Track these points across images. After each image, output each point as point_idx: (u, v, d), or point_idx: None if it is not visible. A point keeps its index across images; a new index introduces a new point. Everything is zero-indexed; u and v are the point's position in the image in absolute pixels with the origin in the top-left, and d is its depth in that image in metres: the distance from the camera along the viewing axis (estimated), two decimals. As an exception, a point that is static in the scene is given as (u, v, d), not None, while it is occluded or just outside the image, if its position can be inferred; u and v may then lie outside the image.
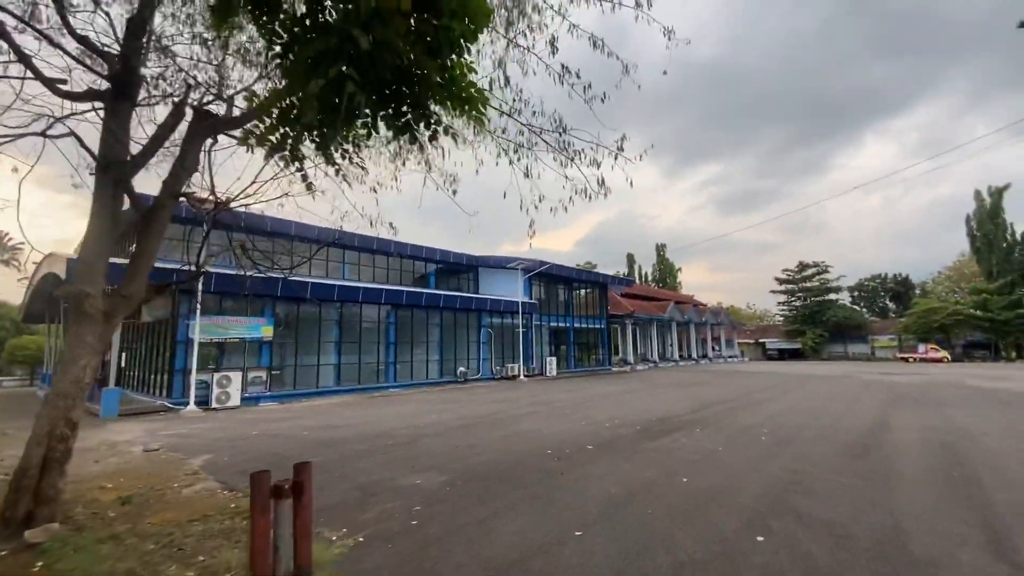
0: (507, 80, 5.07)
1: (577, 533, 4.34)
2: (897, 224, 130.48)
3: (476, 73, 2.34)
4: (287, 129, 2.78)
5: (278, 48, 2.66)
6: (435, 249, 26.71)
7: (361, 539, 4.35)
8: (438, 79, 2.24)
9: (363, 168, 4.29)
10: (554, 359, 30.02)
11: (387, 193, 7.33)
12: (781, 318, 66.32)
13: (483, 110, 2.43)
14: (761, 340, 64.75)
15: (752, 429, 9.64)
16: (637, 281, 67.69)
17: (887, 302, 72.12)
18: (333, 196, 8.10)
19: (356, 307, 21.44)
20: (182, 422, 12.80)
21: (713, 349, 51.65)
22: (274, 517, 2.22)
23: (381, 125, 2.45)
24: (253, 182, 5.64)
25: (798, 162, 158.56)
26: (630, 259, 77.69)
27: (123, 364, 19.95)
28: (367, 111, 2.31)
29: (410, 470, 6.88)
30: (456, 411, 13.62)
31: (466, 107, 2.39)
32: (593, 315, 36.00)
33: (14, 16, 5.67)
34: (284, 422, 12.27)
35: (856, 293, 72.74)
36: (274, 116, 2.80)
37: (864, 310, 68.23)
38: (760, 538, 4.16)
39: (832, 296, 60.09)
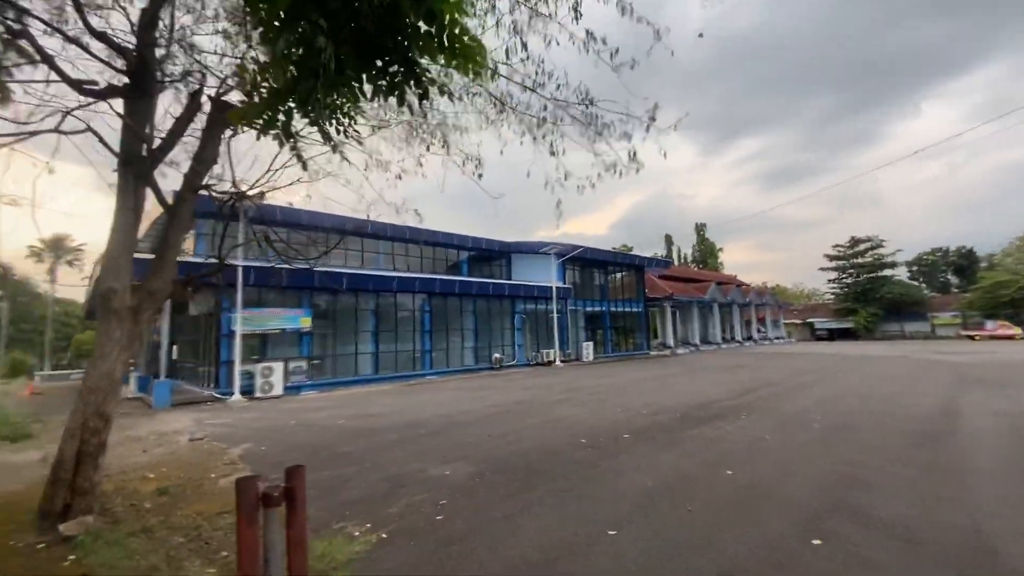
0: (524, 46, 4.66)
1: (609, 532, 4.04)
2: (959, 193, 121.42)
3: (470, 17, 2.04)
4: (276, 104, 2.54)
5: (262, 13, 2.41)
6: (467, 237, 26.59)
7: (384, 535, 4.21)
8: (424, 26, 1.94)
9: (360, 142, 4.05)
10: (590, 344, 29.55)
11: (414, 181, 7.14)
12: (831, 296, 63.09)
13: (480, 61, 2.11)
14: (809, 320, 61.87)
15: (802, 415, 9.03)
16: (676, 262, 65.91)
17: (949, 277, 67.36)
18: (359, 185, 7.96)
19: (391, 296, 21.63)
20: (228, 411, 13.23)
21: (758, 331, 49.71)
22: (263, 527, 2.03)
23: (369, 89, 2.18)
24: (268, 169, 5.51)
25: (847, 132, 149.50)
26: (668, 240, 75.67)
27: (175, 356, 20.93)
28: (349, 72, 2.04)
29: (440, 460, 6.75)
30: (490, 398, 13.49)
31: (460, 59, 2.07)
32: (630, 298, 35.19)
33: (41, 21, 5.72)
34: (322, 411, 12.47)
35: (914, 268, 68.28)
36: (262, 91, 2.58)
37: (923, 286, 64.00)
38: (816, 541, 3.74)
39: (887, 272, 56.48)
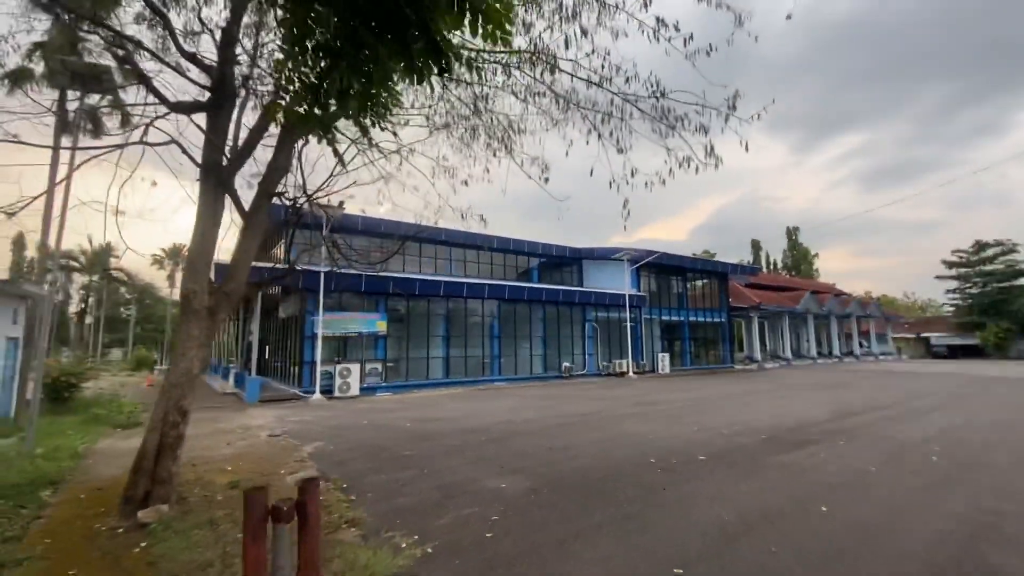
0: (585, 32, 4.36)
1: (675, 571, 3.55)
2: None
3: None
4: (310, 99, 2.45)
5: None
6: (537, 243, 26.48)
7: (430, 549, 4.02)
8: (441, -12, 1.73)
9: (395, 134, 3.94)
10: (667, 355, 28.09)
11: (483, 188, 7.11)
12: (951, 308, 55.50)
13: (507, 26, 1.85)
14: (924, 335, 54.76)
15: (917, 446, 7.76)
16: (764, 270, 61.46)
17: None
18: (425, 191, 8.05)
19: (461, 302, 21.95)
20: (308, 409, 13.93)
21: (860, 345, 44.81)
22: (272, 545, 1.87)
23: (388, 57, 2.00)
24: (330, 175, 5.63)
25: (967, 123, 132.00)
26: (755, 245, 70.82)
27: (266, 356, 22.62)
28: (367, 52, 1.87)
29: (497, 472, 6.51)
30: (556, 408, 13.10)
31: (485, 25, 1.82)
32: (712, 308, 33.08)
33: (146, 49, 6.31)
34: (392, 412, 12.75)
35: (1060, 277, 58.15)
36: (297, 87, 2.50)
37: (1073, 298, 54.33)
38: (939, 609, 3.02)
39: (1023, 281, 48.65)
